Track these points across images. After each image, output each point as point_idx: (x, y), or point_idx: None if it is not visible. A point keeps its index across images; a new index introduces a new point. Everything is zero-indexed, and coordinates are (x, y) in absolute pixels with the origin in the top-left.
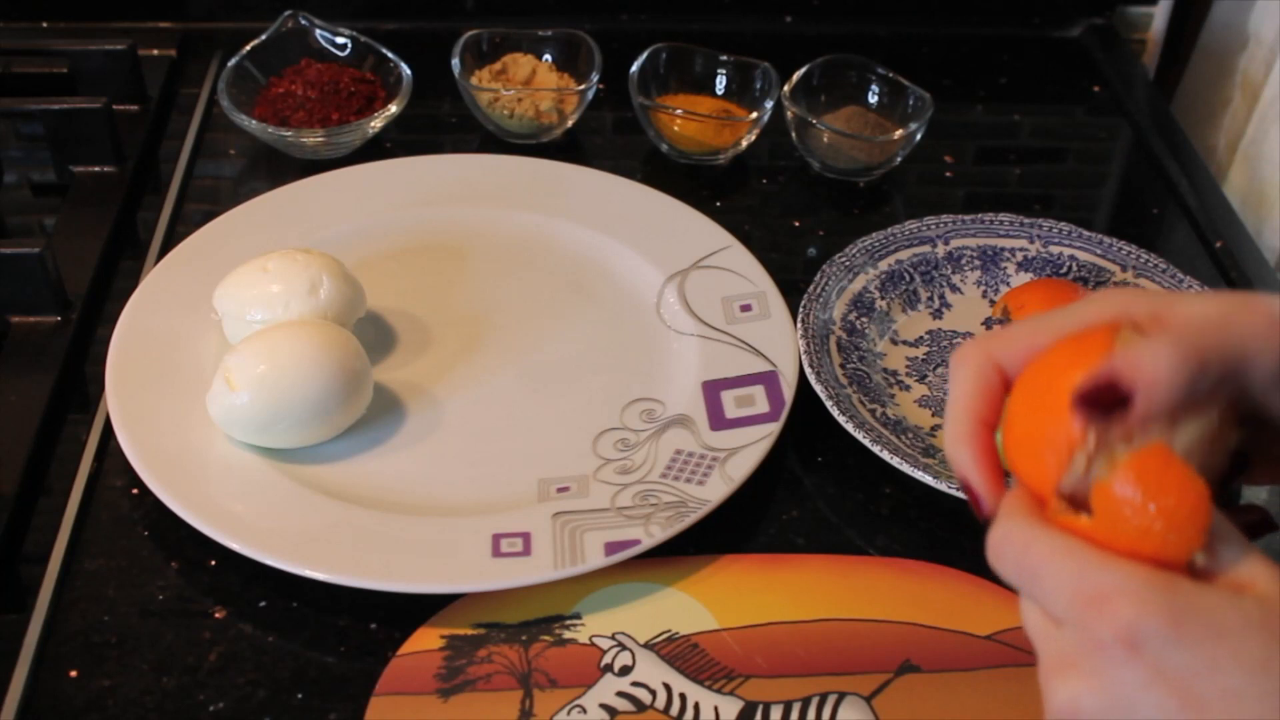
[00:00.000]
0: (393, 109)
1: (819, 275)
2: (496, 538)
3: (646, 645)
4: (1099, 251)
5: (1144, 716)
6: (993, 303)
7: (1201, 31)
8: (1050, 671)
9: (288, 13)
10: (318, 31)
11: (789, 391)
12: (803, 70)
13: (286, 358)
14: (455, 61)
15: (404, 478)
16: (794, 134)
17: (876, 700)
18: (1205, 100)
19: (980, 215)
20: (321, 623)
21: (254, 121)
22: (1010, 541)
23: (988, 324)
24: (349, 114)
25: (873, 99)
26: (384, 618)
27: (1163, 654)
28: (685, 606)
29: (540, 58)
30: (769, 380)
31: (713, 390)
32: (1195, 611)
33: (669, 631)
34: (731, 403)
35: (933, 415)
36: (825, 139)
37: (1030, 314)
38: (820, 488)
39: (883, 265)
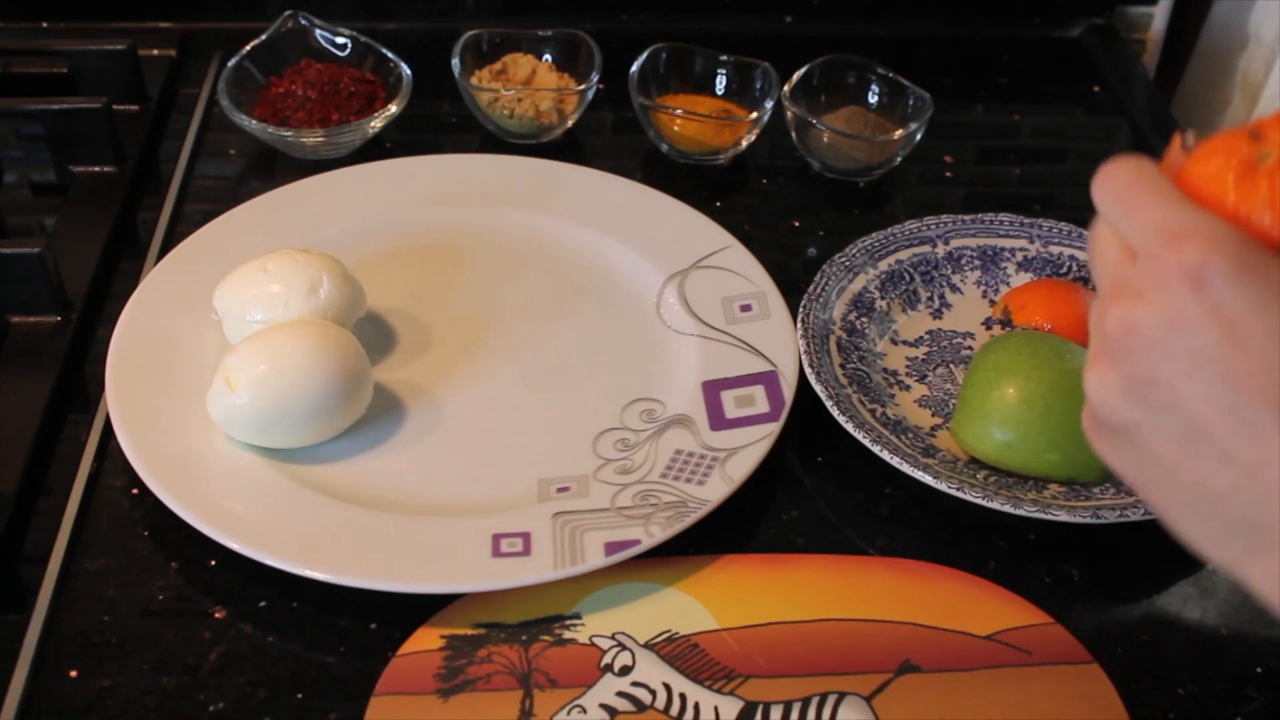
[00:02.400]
0: (393, 109)
1: (819, 275)
2: (496, 538)
3: (646, 645)
4: None
5: (1189, 344)
6: (993, 303)
7: (1201, 31)
8: (1112, 296)
9: (288, 13)
10: (318, 31)
11: (789, 391)
12: (803, 70)
13: (286, 358)
14: (455, 61)
15: (404, 478)
16: (794, 134)
17: (876, 700)
18: (1205, 100)
19: (980, 215)
20: (321, 623)
21: (254, 121)
22: (1123, 170)
23: (988, 324)
24: (349, 114)
25: (873, 99)
26: (384, 618)
27: (1223, 293)
28: (685, 606)
29: (540, 58)
30: (769, 380)
31: (713, 390)
32: (1261, 264)
33: (669, 631)
34: (731, 403)
35: (933, 415)
36: (825, 139)
37: (1030, 314)
38: (820, 488)
39: (883, 265)
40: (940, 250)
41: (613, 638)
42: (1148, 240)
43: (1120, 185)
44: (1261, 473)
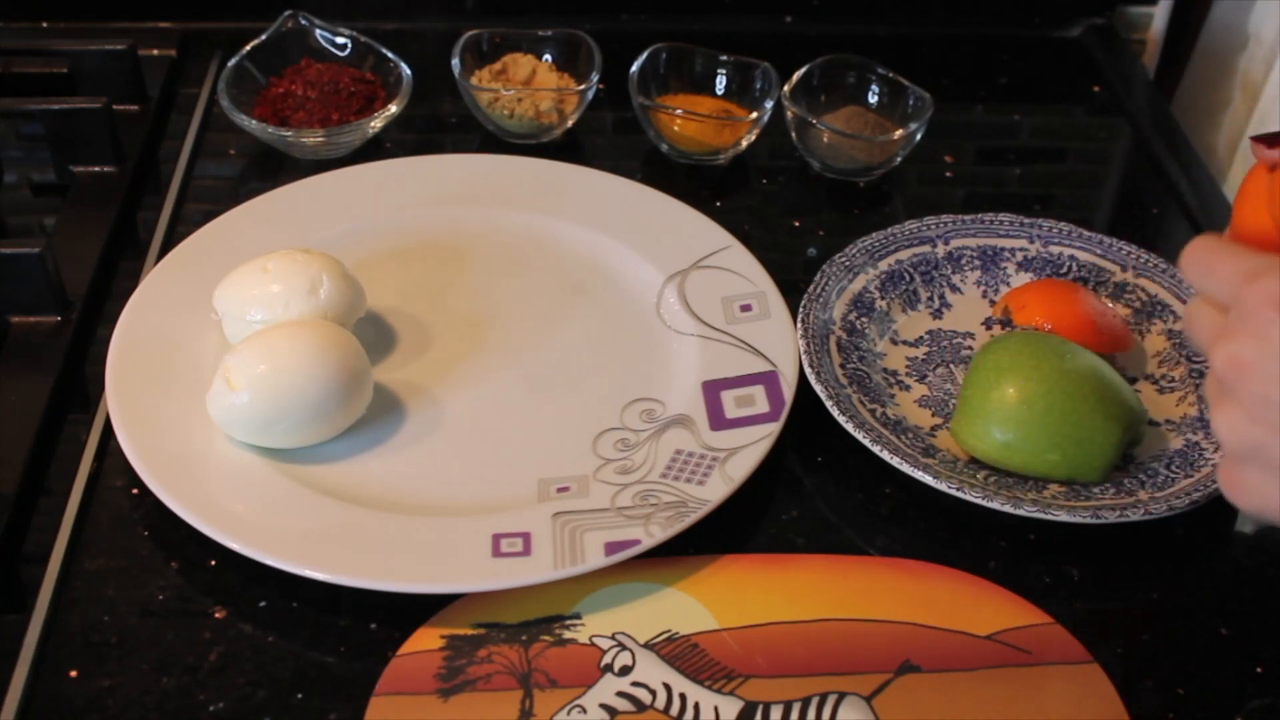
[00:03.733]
0: (393, 109)
1: (819, 275)
2: (496, 538)
3: (646, 645)
4: (1099, 251)
5: None
6: (993, 303)
7: (1201, 31)
8: (1213, 343)
9: (288, 13)
10: (318, 31)
11: (789, 391)
12: (803, 70)
13: (286, 358)
14: (455, 61)
15: (404, 478)
16: (794, 134)
17: (876, 700)
18: (1205, 100)
19: (980, 215)
20: (321, 623)
21: (254, 121)
22: (1200, 247)
23: (988, 324)
24: (349, 114)
25: (873, 99)
26: (384, 618)
27: None
28: (685, 606)
29: (540, 58)
30: (769, 380)
31: (713, 390)
32: None
33: (669, 631)
34: (731, 403)
35: (933, 415)
36: (825, 139)
37: (1030, 314)
38: (820, 488)
39: (883, 265)
40: (940, 250)
41: (613, 638)
42: (1233, 288)
43: (1199, 257)
44: None
